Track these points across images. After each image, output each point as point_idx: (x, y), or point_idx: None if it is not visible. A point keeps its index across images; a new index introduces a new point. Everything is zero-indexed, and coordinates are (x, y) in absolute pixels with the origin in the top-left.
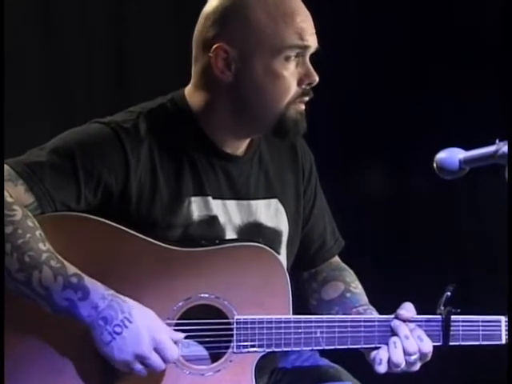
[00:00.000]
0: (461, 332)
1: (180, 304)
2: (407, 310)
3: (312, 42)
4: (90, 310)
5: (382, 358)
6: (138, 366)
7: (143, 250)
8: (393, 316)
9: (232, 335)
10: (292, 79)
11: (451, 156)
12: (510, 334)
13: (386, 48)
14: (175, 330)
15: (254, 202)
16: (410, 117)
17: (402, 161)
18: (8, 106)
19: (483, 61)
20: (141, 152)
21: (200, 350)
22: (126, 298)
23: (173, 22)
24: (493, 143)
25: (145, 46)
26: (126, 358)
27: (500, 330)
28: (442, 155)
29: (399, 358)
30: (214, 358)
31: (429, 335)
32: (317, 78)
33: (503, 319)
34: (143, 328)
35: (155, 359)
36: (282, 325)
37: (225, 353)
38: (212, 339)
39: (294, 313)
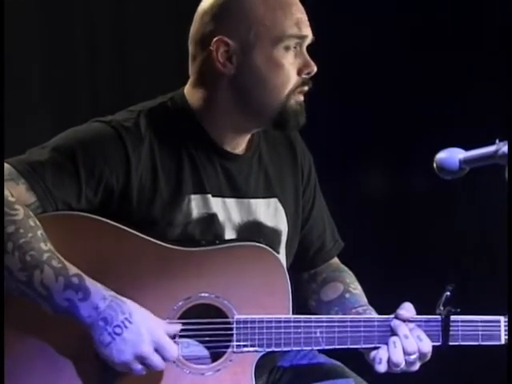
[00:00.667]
0: (460, 332)
1: (180, 303)
2: (407, 309)
3: (309, 32)
4: (91, 310)
5: (382, 358)
6: (138, 366)
7: (143, 249)
8: (392, 316)
9: (232, 335)
10: (292, 69)
11: (451, 156)
12: (509, 334)
13: (386, 48)
14: None
15: (253, 201)
16: (410, 117)
17: (402, 161)
18: (8, 106)
19: (483, 61)
20: (142, 150)
21: (200, 350)
22: (125, 299)
23: (173, 22)
24: (493, 143)
25: (145, 45)
26: (125, 358)
27: (499, 330)
28: (442, 155)
29: (399, 357)
30: (214, 357)
31: (428, 335)
32: (315, 68)
33: (502, 319)
34: (143, 328)
35: (155, 359)
36: (282, 324)
37: (225, 352)
38: (212, 339)
39: (294, 313)
